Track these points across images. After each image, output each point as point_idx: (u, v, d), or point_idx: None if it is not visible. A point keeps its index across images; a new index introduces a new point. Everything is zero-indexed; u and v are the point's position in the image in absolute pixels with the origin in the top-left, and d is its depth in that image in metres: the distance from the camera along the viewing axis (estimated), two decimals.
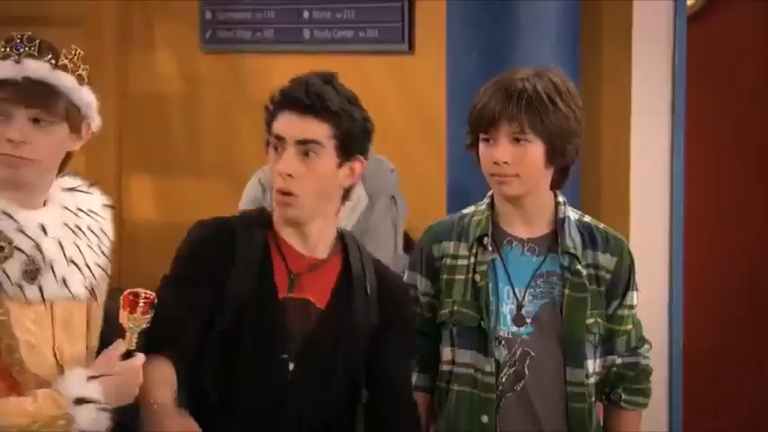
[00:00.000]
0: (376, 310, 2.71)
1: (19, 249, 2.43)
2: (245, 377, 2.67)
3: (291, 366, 2.66)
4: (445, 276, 2.89)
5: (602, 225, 2.97)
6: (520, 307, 2.86)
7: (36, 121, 2.44)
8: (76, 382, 2.46)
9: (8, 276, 2.41)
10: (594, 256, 2.89)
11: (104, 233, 2.63)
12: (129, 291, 2.58)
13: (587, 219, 2.96)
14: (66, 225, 2.54)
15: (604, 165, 4.58)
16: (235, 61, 5.55)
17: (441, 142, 4.72)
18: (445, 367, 2.88)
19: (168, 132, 5.74)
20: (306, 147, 2.60)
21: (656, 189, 4.64)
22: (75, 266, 2.52)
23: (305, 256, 2.68)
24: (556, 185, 2.90)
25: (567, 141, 2.84)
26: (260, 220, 2.72)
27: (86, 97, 2.53)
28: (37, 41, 2.47)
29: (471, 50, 4.56)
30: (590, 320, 2.85)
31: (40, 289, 2.47)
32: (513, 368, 2.84)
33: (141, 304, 2.57)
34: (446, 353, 2.88)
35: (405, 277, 3.02)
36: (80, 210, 2.59)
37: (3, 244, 2.43)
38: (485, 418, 2.81)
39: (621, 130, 4.59)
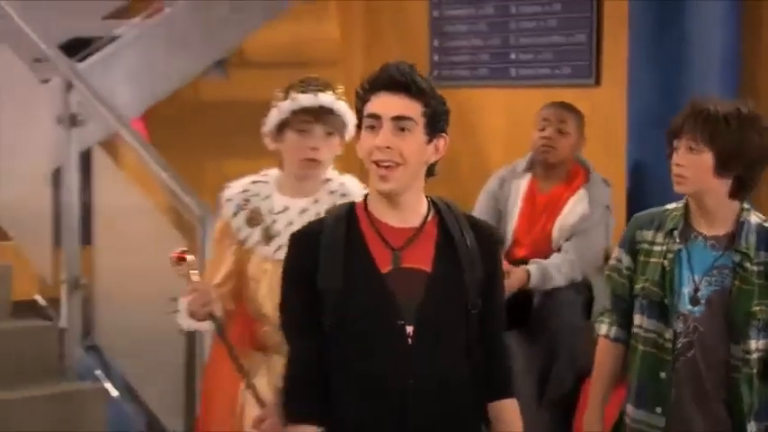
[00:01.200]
0: (479, 261, 2.45)
1: (262, 220, 3.03)
2: (364, 356, 2.41)
3: (410, 330, 2.40)
4: (642, 258, 2.90)
5: None
6: (696, 290, 2.84)
7: (329, 134, 3.02)
8: None
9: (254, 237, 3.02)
10: (767, 255, 2.84)
11: None
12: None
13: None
14: (307, 212, 3.02)
15: None
16: (455, 95, 5.59)
17: (621, 159, 4.73)
18: (635, 330, 2.91)
19: None
20: (401, 123, 2.37)
21: None
22: None
23: (401, 229, 2.43)
24: (735, 194, 2.84)
25: (737, 156, 2.79)
26: (347, 210, 2.48)
27: (351, 118, 2.98)
28: (322, 81, 3.04)
29: (648, 83, 4.57)
30: (755, 308, 2.81)
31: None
32: (687, 338, 2.83)
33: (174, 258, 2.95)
34: (637, 318, 2.91)
35: (614, 253, 2.98)
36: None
37: (256, 216, 3.04)
38: (662, 375, 2.85)
39: None
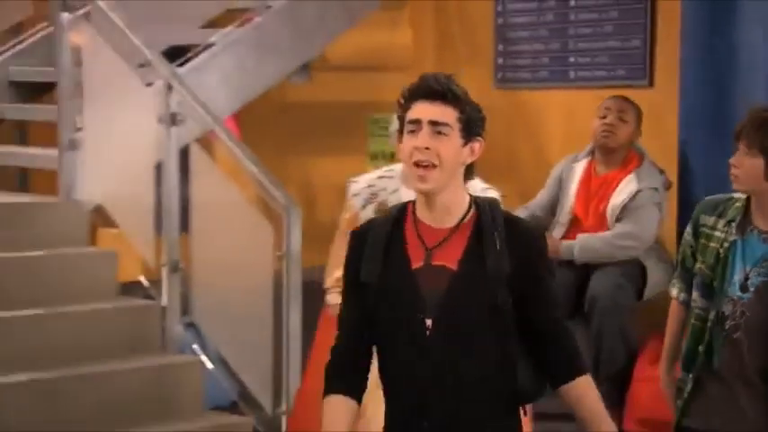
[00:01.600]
0: (506, 258, 2.40)
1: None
2: (390, 341, 2.44)
3: (429, 323, 2.40)
4: (702, 240, 2.95)
5: None
6: (746, 278, 2.88)
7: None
8: None
9: None
10: None
11: None
12: None
13: None
14: None
15: None
16: (518, 96, 5.60)
17: (673, 156, 4.72)
18: (693, 303, 2.98)
19: None
20: (438, 127, 2.39)
21: None
22: None
23: (437, 230, 2.44)
24: None
25: None
26: (400, 209, 2.51)
27: None
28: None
29: (699, 84, 4.58)
30: None
31: None
32: (734, 321, 2.88)
33: None
34: (693, 294, 2.98)
35: (687, 227, 3.00)
36: None
37: (384, 209, 2.93)
38: (700, 348, 2.92)
39: None
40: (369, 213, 3.00)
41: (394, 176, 3.03)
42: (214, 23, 5.76)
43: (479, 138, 2.45)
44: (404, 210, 2.50)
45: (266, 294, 4.05)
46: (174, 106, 4.44)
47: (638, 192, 4.45)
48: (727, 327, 2.88)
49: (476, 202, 2.47)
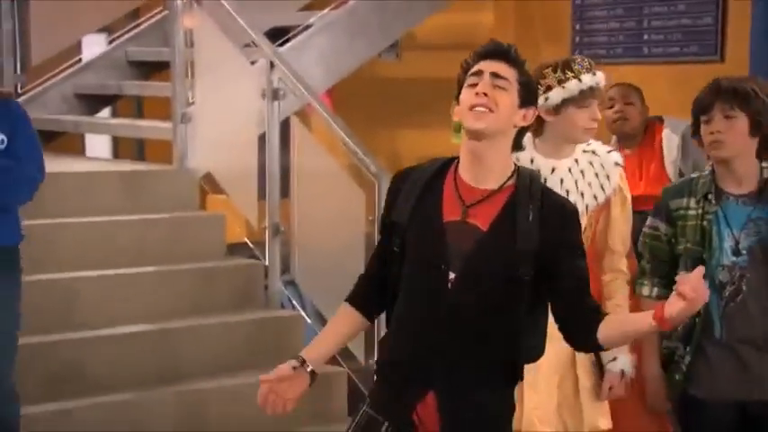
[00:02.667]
0: (536, 234, 2.27)
1: None
2: (411, 286, 2.32)
3: (452, 276, 2.27)
4: (680, 223, 2.86)
5: None
6: (737, 243, 2.80)
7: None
8: None
9: None
10: None
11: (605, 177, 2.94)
12: None
13: None
14: (573, 168, 2.94)
15: None
16: None
17: None
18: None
19: None
20: (499, 81, 2.28)
21: None
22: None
23: (476, 189, 2.31)
24: (759, 154, 2.84)
25: (766, 116, 2.79)
26: (443, 163, 2.38)
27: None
28: (588, 62, 2.95)
29: None
30: None
31: None
32: (734, 286, 2.79)
33: None
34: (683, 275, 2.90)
35: (648, 222, 2.90)
36: (590, 164, 2.95)
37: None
38: (697, 320, 2.78)
39: None
40: None
41: (525, 146, 2.85)
42: (311, 6, 5.79)
43: (534, 106, 2.36)
44: (447, 164, 2.38)
45: (359, 255, 4.06)
46: (275, 82, 4.46)
47: (682, 136, 4.33)
48: (726, 293, 2.79)
49: (519, 170, 2.36)
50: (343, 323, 2.45)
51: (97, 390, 3.87)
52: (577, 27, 5.63)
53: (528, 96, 2.34)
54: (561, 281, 2.30)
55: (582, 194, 2.91)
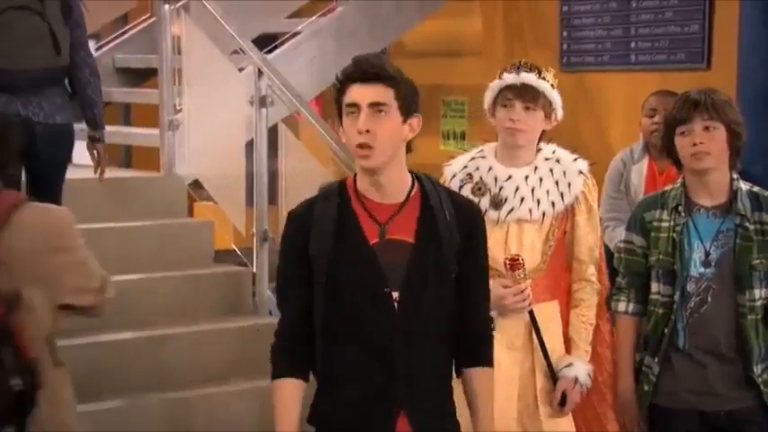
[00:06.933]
0: (456, 228, 2.33)
1: (488, 189, 2.90)
2: (352, 317, 2.29)
3: (395, 296, 2.28)
4: (653, 235, 2.86)
5: (766, 193, 2.88)
6: (707, 254, 2.81)
7: (527, 108, 2.88)
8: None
9: (482, 204, 2.86)
10: (760, 216, 2.83)
11: (566, 185, 2.91)
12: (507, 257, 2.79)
13: (756, 189, 2.88)
14: (530, 177, 2.91)
15: None
16: (582, 78, 5.55)
17: None
18: (654, 296, 2.87)
19: None
20: (377, 108, 2.26)
21: None
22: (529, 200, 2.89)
23: (386, 205, 2.32)
24: (732, 165, 2.85)
25: (739, 127, 2.81)
26: (338, 188, 2.35)
27: (556, 97, 2.93)
28: (529, 63, 2.92)
29: (756, 66, 4.45)
30: (755, 261, 2.79)
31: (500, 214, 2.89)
32: (699, 297, 2.80)
33: (520, 261, 2.79)
34: (654, 287, 2.87)
35: (623, 236, 2.91)
36: (551, 171, 2.92)
37: (482, 186, 2.91)
38: (666, 330, 2.81)
39: None
40: (467, 193, 2.92)
41: (486, 156, 2.96)
42: (299, 14, 5.81)
43: (417, 113, 2.33)
44: (342, 188, 2.35)
45: None
46: (263, 89, 4.49)
47: None
48: (692, 304, 2.80)
49: (416, 176, 2.38)
50: (295, 404, 2.35)
51: (84, 397, 3.83)
52: (565, 34, 5.66)
53: (409, 107, 2.31)
54: (466, 268, 2.35)
55: (538, 201, 2.89)
